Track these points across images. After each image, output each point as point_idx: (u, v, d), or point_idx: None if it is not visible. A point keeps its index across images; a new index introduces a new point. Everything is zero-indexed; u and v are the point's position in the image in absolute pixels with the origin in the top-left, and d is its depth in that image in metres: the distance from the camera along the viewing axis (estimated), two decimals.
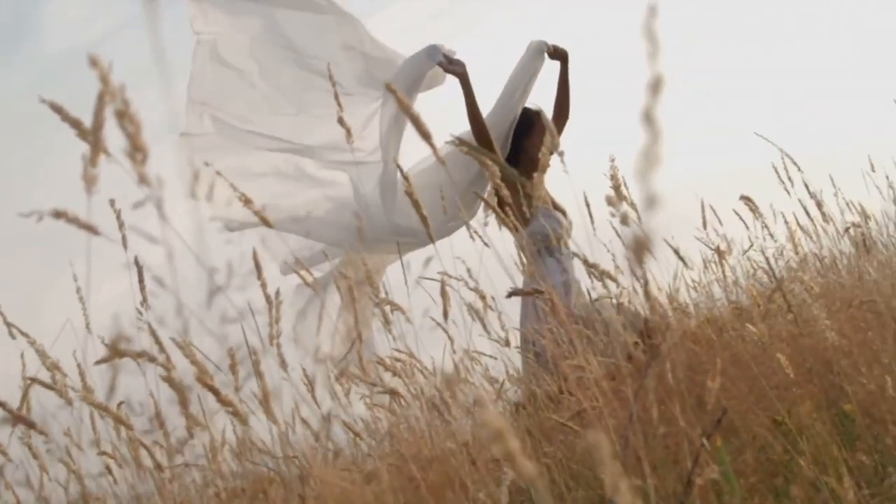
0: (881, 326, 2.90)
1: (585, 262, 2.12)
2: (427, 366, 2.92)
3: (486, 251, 2.55)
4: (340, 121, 2.47)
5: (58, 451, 2.54)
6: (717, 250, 3.22)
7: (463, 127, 4.43)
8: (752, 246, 3.46)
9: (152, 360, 2.06)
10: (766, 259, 2.89)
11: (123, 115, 1.08)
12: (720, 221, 3.72)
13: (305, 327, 3.93)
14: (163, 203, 1.10)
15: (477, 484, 2.07)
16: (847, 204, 3.60)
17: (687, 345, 2.89)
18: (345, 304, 2.71)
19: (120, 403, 2.64)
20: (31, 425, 2.05)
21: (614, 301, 2.80)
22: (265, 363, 2.52)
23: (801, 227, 3.57)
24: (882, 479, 2.37)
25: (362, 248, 3.13)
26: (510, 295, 2.39)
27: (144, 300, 2.71)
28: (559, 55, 4.59)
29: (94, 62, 1.01)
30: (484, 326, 2.81)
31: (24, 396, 2.44)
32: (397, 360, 2.76)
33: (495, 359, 3.10)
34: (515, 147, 4.64)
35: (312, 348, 3.44)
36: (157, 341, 2.01)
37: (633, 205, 3.21)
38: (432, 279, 2.90)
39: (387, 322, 2.43)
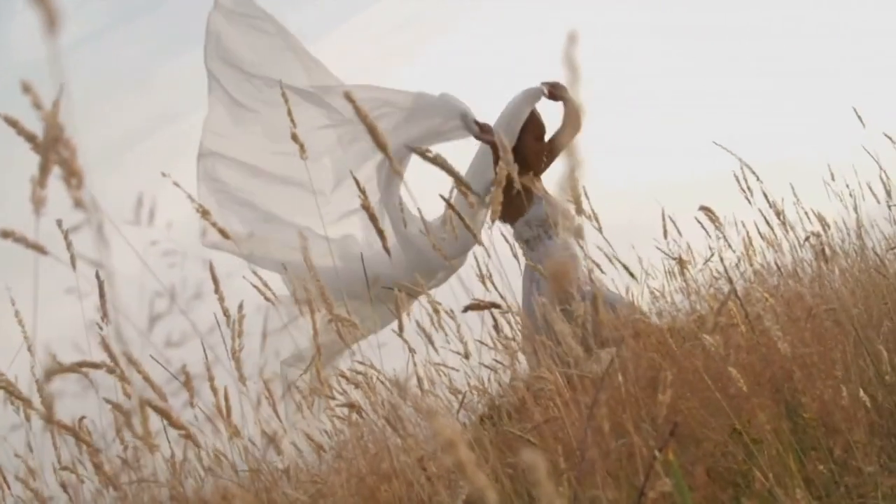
0: (843, 335, 2.93)
1: (540, 272, 2.12)
2: (389, 378, 2.93)
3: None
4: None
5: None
6: (679, 260, 3.24)
7: None
8: (711, 256, 3.49)
9: (111, 371, 2.05)
10: (725, 269, 2.90)
11: (58, 141, 1.07)
12: (679, 231, 3.75)
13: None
14: (101, 227, 1.09)
15: (433, 499, 2.07)
16: (806, 214, 3.64)
17: (648, 354, 2.91)
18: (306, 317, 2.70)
19: (81, 418, 2.63)
20: None
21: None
22: (225, 378, 2.52)
23: (763, 236, 3.60)
24: (838, 488, 2.39)
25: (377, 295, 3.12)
26: (466, 309, 2.39)
27: (105, 315, 2.69)
28: (558, 94, 4.41)
29: (26, 88, 1.00)
30: (429, 342, 2.82)
31: None
32: (358, 372, 2.76)
33: (457, 370, 3.11)
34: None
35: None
36: (112, 357, 2.00)
37: (592, 217, 3.23)
38: (392, 288, 2.92)
39: (341, 337, 2.43)
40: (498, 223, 4.11)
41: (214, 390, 2.51)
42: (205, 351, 2.49)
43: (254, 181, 4.27)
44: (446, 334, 3.00)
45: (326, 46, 14.75)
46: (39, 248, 1.37)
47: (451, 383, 3.22)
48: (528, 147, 4.47)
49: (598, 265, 3.10)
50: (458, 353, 2.88)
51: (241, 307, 2.32)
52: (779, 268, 3.42)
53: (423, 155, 2.17)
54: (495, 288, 3.01)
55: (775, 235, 3.48)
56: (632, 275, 2.79)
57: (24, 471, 2.60)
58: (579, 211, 2.63)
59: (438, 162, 2.12)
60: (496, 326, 2.80)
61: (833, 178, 4.09)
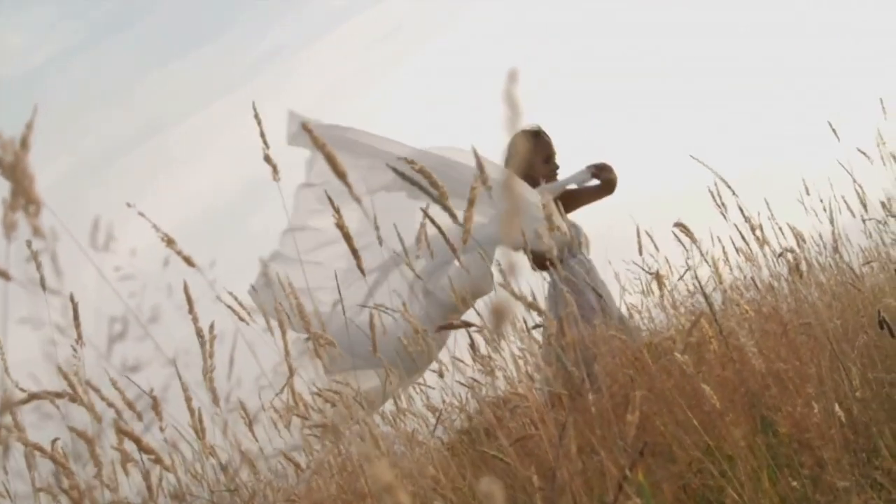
0: (820, 348, 2.94)
1: (512, 293, 2.13)
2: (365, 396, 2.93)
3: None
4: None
5: None
6: (657, 276, 3.25)
7: None
8: (686, 271, 3.49)
9: (73, 399, 2.05)
10: (700, 286, 2.91)
11: (14, 168, 1.07)
12: (656, 246, 3.76)
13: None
14: (56, 257, 1.09)
15: None
16: (779, 229, 3.65)
17: (624, 371, 2.91)
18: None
19: (55, 440, 2.62)
20: None
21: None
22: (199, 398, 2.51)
23: (739, 251, 3.61)
24: None
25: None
26: (440, 329, 2.40)
27: (79, 337, 2.69)
28: (603, 176, 4.48)
29: None
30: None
31: None
32: (335, 392, 2.75)
33: (433, 388, 3.11)
34: (518, 174, 4.58)
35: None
36: (71, 385, 1.99)
37: (564, 234, 3.24)
38: (369, 307, 2.92)
39: (316, 357, 2.42)
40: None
41: (191, 410, 2.50)
42: (178, 372, 2.48)
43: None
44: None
45: (307, 59, 14.77)
46: (4, 274, 1.36)
47: (428, 400, 3.23)
48: (536, 170, 4.50)
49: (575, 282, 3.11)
50: (434, 371, 2.89)
51: (212, 328, 2.32)
52: (755, 282, 3.43)
53: (408, 169, 2.17)
54: (472, 307, 3.03)
55: (751, 250, 3.50)
56: (599, 296, 2.80)
57: None
58: (551, 230, 2.65)
59: (424, 174, 2.13)
60: (472, 345, 2.81)
61: (808, 193, 4.12)
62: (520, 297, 2.13)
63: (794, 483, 2.42)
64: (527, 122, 4.58)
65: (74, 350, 2.71)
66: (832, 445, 2.42)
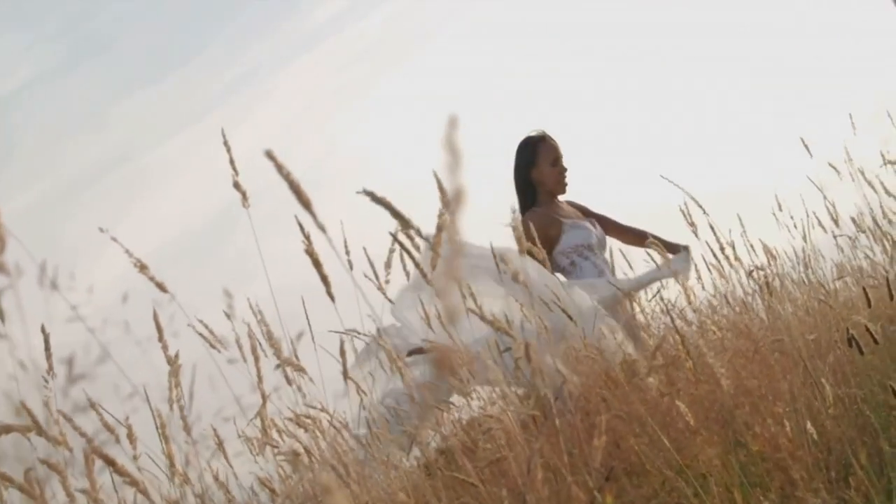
0: (793, 365, 2.95)
1: (481, 316, 2.13)
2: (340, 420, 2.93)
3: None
4: None
5: None
6: (628, 294, 3.26)
7: None
8: (658, 290, 3.51)
9: (40, 433, 2.04)
10: (666, 307, 2.93)
11: None
12: (630, 265, 3.78)
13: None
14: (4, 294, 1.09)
15: None
16: (751, 246, 3.67)
17: (597, 391, 2.92)
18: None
19: (28, 470, 2.60)
20: None
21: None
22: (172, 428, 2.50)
23: (711, 269, 3.63)
24: None
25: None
26: (410, 353, 2.40)
27: (50, 368, 2.68)
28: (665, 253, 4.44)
29: None
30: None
31: None
32: (307, 416, 2.75)
33: (405, 410, 3.11)
34: (525, 180, 4.62)
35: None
36: (33, 418, 1.98)
37: (537, 253, 3.25)
38: (340, 332, 2.92)
39: (289, 382, 2.43)
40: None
41: (165, 438, 2.49)
42: (148, 401, 2.48)
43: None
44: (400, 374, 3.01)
45: (282, 81, 14.77)
46: None
47: (402, 423, 3.23)
48: (544, 173, 4.57)
49: (546, 304, 3.12)
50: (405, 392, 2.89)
51: (177, 357, 2.31)
52: (727, 300, 3.45)
53: (372, 196, 2.18)
54: (444, 328, 3.02)
55: (722, 268, 3.52)
56: (570, 318, 2.81)
57: None
58: (522, 252, 2.66)
59: (384, 203, 2.13)
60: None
61: (780, 209, 4.16)
62: (459, 349, 2.13)
63: (766, 503, 2.43)
64: (534, 129, 4.65)
65: (46, 381, 2.71)
66: (803, 464, 2.43)
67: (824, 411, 2.71)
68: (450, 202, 0.75)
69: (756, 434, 2.42)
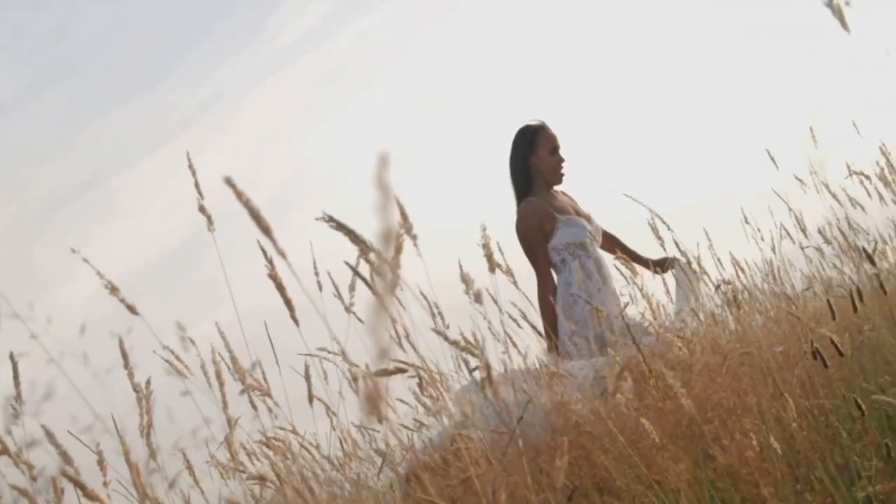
0: (762, 377, 2.96)
1: (445, 337, 2.14)
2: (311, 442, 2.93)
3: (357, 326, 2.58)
4: None
5: None
6: (596, 310, 3.27)
7: None
8: (626, 305, 3.53)
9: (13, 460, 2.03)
10: (627, 326, 2.93)
11: None
12: (603, 281, 3.80)
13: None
14: None
15: None
16: (718, 260, 3.70)
17: (567, 407, 2.92)
18: None
19: None
20: None
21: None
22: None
23: (679, 283, 3.65)
24: None
25: None
26: (377, 375, 2.39)
27: (19, 396, 2.67)
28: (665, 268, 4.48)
29: None
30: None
31: None
32: (276, 439, 2.75)
33: (378, 431, 3.11)
34: (523, 167, 4.60)
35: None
36: (3, 444, 1.98)
37: (507, 271, 3.26)
38: (313, 355, 2.92)
39: (254, 407, 2.42)
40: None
41: (130, 465, 2.48)
42: (116, 426, 2.46)
43: None
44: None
45: (250, 102, 14.75)
46: None
47: (374, 443, 3.23)
48: (542, 161, 4.57)
49: (514, 320, 3.13)
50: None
51: (148, 383, 2.31)
52: (695, 313, 3.47)
53: (330, 222, 2.18)
54: (413, 348, 3.03)
55: (690, 283, 3.54)
56: (540, 334, 2.82)
57: None
58: (492, 268, 2.66)
59: (344, 229, 2.13)
60: (420, 384, 2.81)
61: (747, 221, 4.19)
62: (454, 342, 2.14)
63: None
64: (532, 119, 4.66)
65: (14, 409, 2.69)
66: (771, 478, 2.44)
67: (790, 424, 2.73)
68: (382, 241, 0.76)
69: (723, 448, 2.43)
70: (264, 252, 2.39)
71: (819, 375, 3.15)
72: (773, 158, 4.22)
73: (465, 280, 2.00)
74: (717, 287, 3.29)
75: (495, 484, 1.73)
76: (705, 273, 3.48)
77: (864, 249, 2.76)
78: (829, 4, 1.34)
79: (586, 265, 4.37)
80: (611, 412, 2.75)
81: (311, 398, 2.67)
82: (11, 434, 2.19)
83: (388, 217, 0.77)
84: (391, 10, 15.91)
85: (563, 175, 4.61)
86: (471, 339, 2.79)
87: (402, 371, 2.30)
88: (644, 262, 4.52)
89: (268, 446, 2.81)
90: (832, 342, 2.68)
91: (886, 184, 4.24)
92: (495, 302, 2.92)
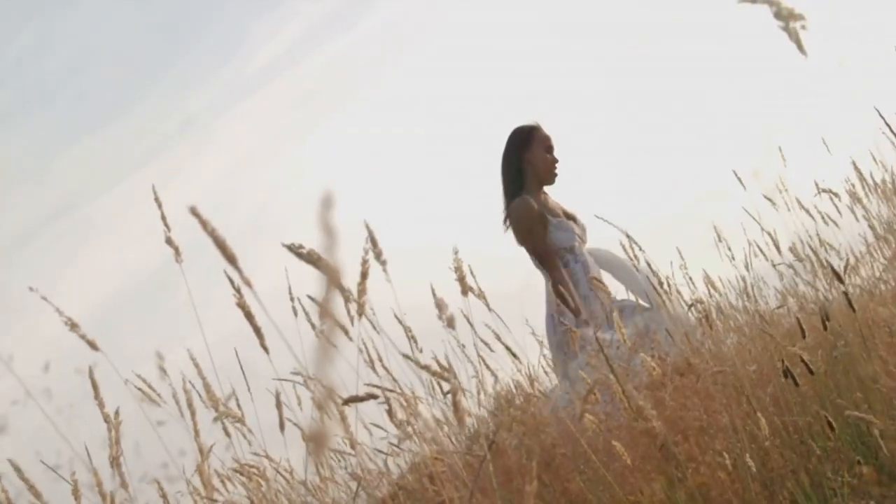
0: (736, 395, 2.97)
1: (416, 363, 2.15)
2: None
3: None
4: None
5: None
6: (571, 330, 3.29)
7: None
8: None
9: None
10: (600, 345, 2.94)
11: None
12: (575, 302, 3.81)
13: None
14: None
15: None
16: (690, 279, 3.72)
17: (542, 429, 2.93)
18: None
19: None
20: None
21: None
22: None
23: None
24: None
25: None
26: (346, 402, 2.39)
27: None
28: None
29: None
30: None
31: None
32: (251, 465, 2.74)
33: (353, 455, 3.10)
34: (517, 163, 4.59)
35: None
36: None
37: (480, 294, 3.27)
38: (284, 380, 2.91)
39: (227, 435, 2.42)
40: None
41: (103, 496, 2.47)
42: (90, 458, 2.45)
43: None
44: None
45: (224, 126, 14.74)
46: None
47: (350, 468, 3.22)
48: (538, 158, 4.57)
49: (486, 344, 3.14)
50: (345, 439, 2.88)
51: (117, 413, 2.30)
52: (668, 333, 3.48)
53: (297, 252, 2.18)
54: (387, 371, 3.03)
55: (662, 302, 3.55)
56: (514, 355, 2.83)
57: None
58: (464, 291, 2.67)
59: (312, 259, 2.13)
60: (389, 411, 2.80)
61: (720, 240, 4.21)
62: (424, 367, 2.14)
63: None
64: (527, 119, 4.67)
65: None
66: (745, 497, 2.45)
67: (762, 442, 2.74)
68: (326, 280, 0.76)
69: (695, 468, 2.44)
70: (231, 282, 2.39)
71: (792, 393, 3.17)
72: (739, 178, 4.24)
73: (439, 305, 2.01)
74: (690, 307, 3.30)
75: None
76: (679, 293, 3.49)
77: (832, 267, 2.77)
78: (786, 28, 1.36)
79: (575, 271, 4.37)
80: (583, 433, 2.76)
81: (282, 425, 2.67)
82: None
83: (332, 258, 0.77)
84: (362, 33, 15.98)
85: (556, 175, 4.61)
86: (444, 362, 2.80)
87: (374, 397, 2.30)
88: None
89: (241, 473, 2.81)
90: (802, 360, 2.69)
91: (857, 200, 4.27)
92: (470, 324, 2.92)
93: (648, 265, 3.43)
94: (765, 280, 4.33)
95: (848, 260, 3.96)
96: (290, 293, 2.98)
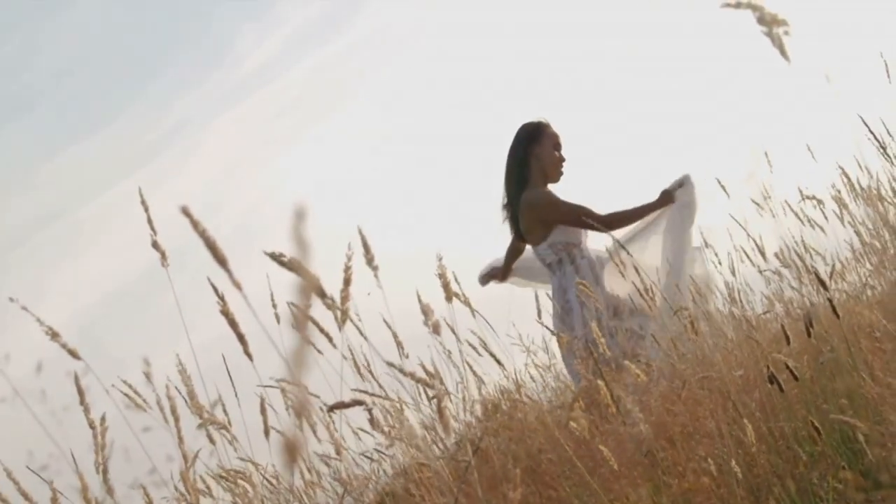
0: (723, 398, 2.98)
1: (401, 370, 2.15)
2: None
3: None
4: None
5: None
6: (558, 337, 3.30)
7: None
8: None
9: None
10: (592, 350, 2.96)
11: None
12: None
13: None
14: None
15: None
16: (675, 285, 3.72)
17: (528, 434, 2.94)
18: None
19: None
20: None
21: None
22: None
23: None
24: None
25: None
26: (331, 409, 2.39)
27: None
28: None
29: None
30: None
31: None
32: (237, 471, 2.74)
33: (339, 460, 3.10)
34: (525, 156, 4.58)
35: None
36: None
37: (465, 300, 3.27)
38: (269, 387, 2.91)
39: (212, 442, 2.41)
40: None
41: (87, 501, 2.46)
42: (76, 463, 2.45)
43: None
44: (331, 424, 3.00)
45: (214, 131, 14.72)
46: None
47: (336, 473, 3.22)
48: (546, 154, 4.57)
49: (474, 348, 3.14)
50: (331, 444, 2.89)
51: (103, 419, 2.29)
52: (655, 339, 3.49)
53: (278, 260, 2.18)
54: (373, 377, 3.03)
55: (649, 308, 3.56)
56: (499, 362, 2.83)
57: None
58: (449, 298, 2.67)
59: (291, 267, 2.13)
60: (371, 420, 2.81)
61: (707, 245, 4.22)
62: (409, 374, 2.14)
63: None
64: (537, 116, 4.66)
65: None
66: (731, 502, 2.45)
67: (748, 448, 2.75)
68: (300, 292, 0.76)
69: (681, 474, 2.45)
70: (215, 289, 2.38)
71: (779, 398, 3.17)
72: (723, 187, 4.26)
73: (425, 311, 2.01)
74: (675, 312, 3.31)
75: None
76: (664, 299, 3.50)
77: (817, 274, 2.78)
78: (769, 34, 1.36)
79: (581, 266, 4.37)
80: (569, 439, 2.76)
81: (266, 431, 2.67)
82: None
83: (305, 272, 0.78)
84: (350, 40, 15.98)
85: (562, 174, 4.60)
86: (430, 368, 2.80)
87: (360, 403, 2.30)
88: (645, 211, 4.46)
89: (227, 479, 2.80)
90: (787, 367, 2.70)
91: (843, 206, 4.28)
92: (453, 332, 2.93)
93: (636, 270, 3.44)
94: (750, 286, 4.33)
95: (834, 266, 3.97)
96: (273, 300, 2.97)
